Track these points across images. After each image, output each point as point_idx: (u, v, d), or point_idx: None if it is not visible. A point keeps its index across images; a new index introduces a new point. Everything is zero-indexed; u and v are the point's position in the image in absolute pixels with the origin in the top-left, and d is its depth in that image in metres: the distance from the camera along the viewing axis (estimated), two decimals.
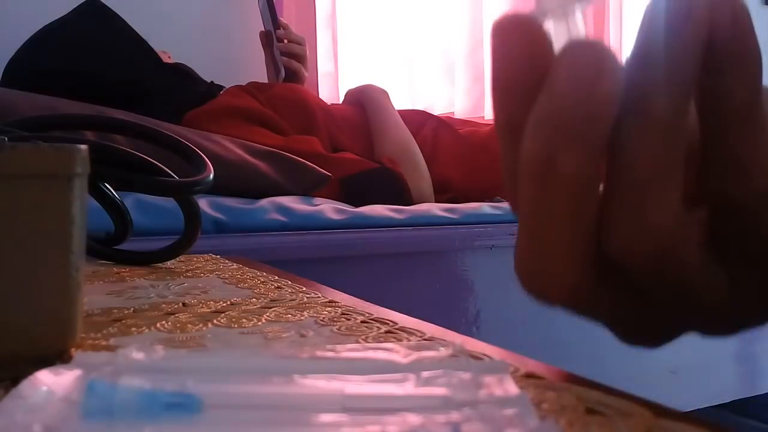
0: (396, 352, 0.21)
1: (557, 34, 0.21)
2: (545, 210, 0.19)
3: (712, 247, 0.21)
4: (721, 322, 0.23)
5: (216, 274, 0.47)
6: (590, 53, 0.18)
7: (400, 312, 0.33)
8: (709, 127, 0.20)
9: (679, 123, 0.19)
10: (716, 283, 0.21)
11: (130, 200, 0.80)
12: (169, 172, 0.47)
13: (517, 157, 0.19)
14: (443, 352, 0.22)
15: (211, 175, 0.47)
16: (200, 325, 0.30)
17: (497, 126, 0.21)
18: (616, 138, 0.19)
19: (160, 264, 0.51)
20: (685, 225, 0.20)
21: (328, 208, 0.97)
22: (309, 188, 1.08)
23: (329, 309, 0.34)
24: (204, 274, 0.47)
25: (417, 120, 1.43)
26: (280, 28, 1.53)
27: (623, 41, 2.28)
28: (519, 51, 0.19)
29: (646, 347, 0.24)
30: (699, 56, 0.19)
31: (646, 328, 0.23)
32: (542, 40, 0.19)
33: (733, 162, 0.20)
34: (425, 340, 0.27)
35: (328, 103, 1.44)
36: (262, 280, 0.44)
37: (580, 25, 0.21)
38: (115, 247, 0.52)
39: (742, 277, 0.22)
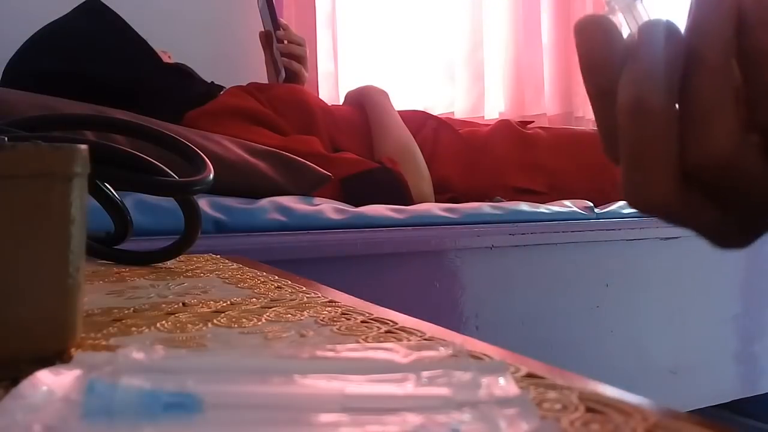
0: (396, 352, 0.21)
1: (627, 23, 0.30)
2: (641, 139, 0.26)
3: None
4: None
5: (216, 274, 0.47)
6: (659, 29, 0.26)
7: (400, 312, 0.33)
8: (748, 72, 0.26)
9: (726, 66, 0.26)
10: None
11: (130, 200, 0.80)
12: (169, 172, 0.47)
13: (611, 114, 0.27)
14: (443, 352, 0.22)
15: (211, 175, 0.47)
16: (200, 325, 0.30)
17: (591, 97, 0.29)
18: (684, 83, 0.26)
19: (160, 264, 0.51)
20: (743, 142, 0.26)
21: (328, 208, 0.97)
22: (309, 188, 1.08)
23: (329, 309, 0.34)
24: (204, 274, 0.47)
25: (417, 120, 1.43)
26: (279, 29, 1.52)
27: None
28: (598, 41, 0.27)
29: (735, 248, 0.30)
30: (732, 19, 0.26)
31: (727, 231, 0.29)
32: (614, 30, 0.27)
33: None
34: (425, 340, 0.27)
35: (329, 104, 1.44)
36: (262, 280, 0.44)
37: (644, 15, 0.30)
38: (115, 247, 0.52)
39: None
